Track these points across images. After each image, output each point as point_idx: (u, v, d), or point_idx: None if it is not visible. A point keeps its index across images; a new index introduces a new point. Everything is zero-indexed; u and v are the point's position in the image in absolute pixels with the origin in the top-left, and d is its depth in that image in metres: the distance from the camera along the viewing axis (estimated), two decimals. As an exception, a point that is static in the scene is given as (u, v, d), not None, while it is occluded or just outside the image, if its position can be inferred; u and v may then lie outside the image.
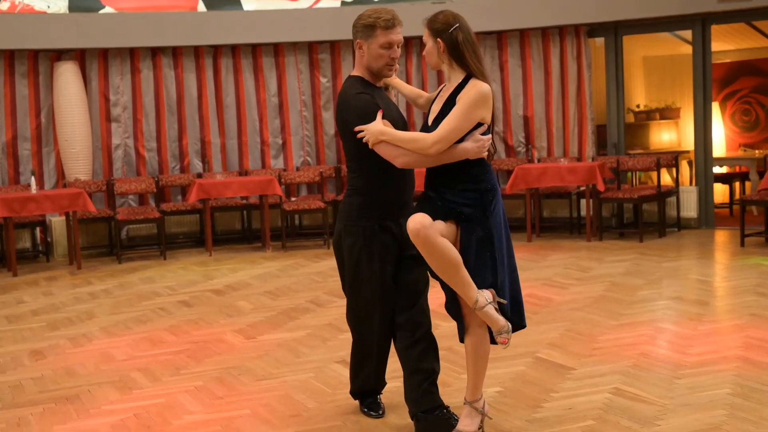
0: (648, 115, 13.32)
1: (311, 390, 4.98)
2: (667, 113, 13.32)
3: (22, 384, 5.40)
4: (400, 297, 4.17)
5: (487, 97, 3.86)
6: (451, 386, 4.80)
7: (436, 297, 4.35)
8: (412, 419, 4.20)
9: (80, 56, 10.92)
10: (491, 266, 3.88)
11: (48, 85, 10.83)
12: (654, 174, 10.78)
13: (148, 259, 10.28)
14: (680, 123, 13.36)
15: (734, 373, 4.87)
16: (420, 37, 4.06)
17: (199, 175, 11.12)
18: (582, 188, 10.49)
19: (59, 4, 10.75)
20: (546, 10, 10.93)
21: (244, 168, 11.50)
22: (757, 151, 12.25)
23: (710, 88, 10.72)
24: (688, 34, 11.05)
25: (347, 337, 4.93)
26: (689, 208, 10.70)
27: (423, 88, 11.41)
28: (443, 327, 5.71)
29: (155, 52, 11.16)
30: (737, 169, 12.22)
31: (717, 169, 11.71)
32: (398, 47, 4.13)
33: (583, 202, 10.70)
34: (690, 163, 12.28)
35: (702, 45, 10.62)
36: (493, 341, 4.01)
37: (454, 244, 3.87)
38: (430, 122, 4.01)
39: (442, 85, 4.10)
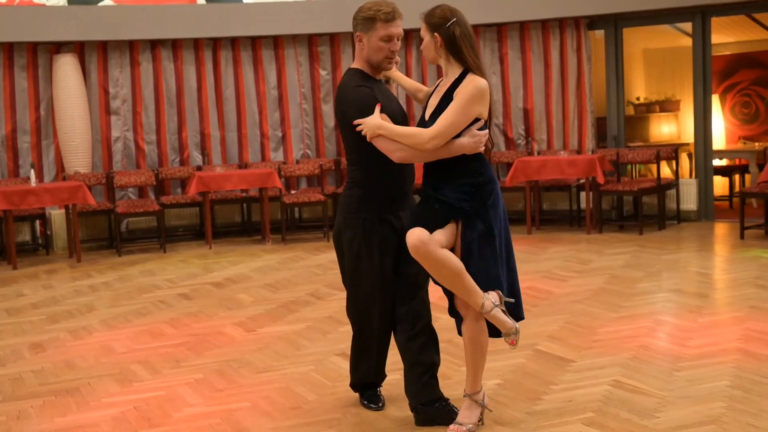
0: (648, 108, 13.31)
1: (311, 382, 4.99)
2: (667, 106, 13.31)
3: (23, 377, 5.41)
4: (401, 289, 4.18)
5: (485, 92, 3.87)
6: (451, 378, 4.80)
7: (436, 289, 4.35)
8: (412, 411, 4.21)
9: (79, 49, 10.90)
10: (493, 259, 3.89)
11: (47, 78, 10.82)
12: (654, 166, 10.79)
13: (148, 252, 10.29)
14: (680, 115, 13.35)
15: (733, 366, 4.87)
16: (420, 30, 4.06)
17: (199, 168, 11.11)
18: (582, 181, 10.49)
19: (58, -4, 10.76)
20: (546, 3, 10.91)
21: (243, 161, 11.50)
22: (756, 144, 12.25)
23: (710, 81, 10.71)
24: (688, 26, 11.03)
25: (347, 329, 4.93)
26: (689, 201, 10.70)
27: (423, 81, 11.40)
28: (443, 319, 5.70)
29: (155, 45, 11.14)
30: (737, 161, 12.22)
31: (717, 162, 11.70)
32: (398, 40, 4.12)
33: (582, 194, 10.70)
34: (690, 156, 12.28)
35: (702, 37, 10.60)
36: (491, 335, 4.02)
37: (455, 244, 3.88)
38: (427, 117, 4.01)
39: (439, 80, 4.10)
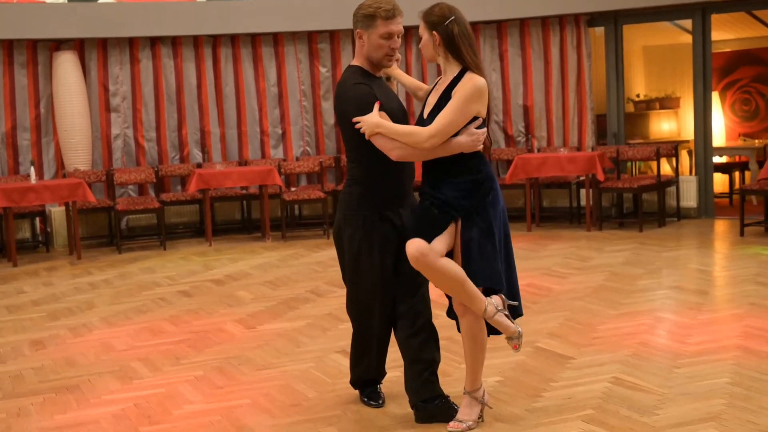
0: (648, 105, 13.30)
1: (311, 380, 4.99)
2: (667, 103, 13.31)
3: (23, 374, 5.41)
4: (401, 287, 4.18)
5: (483, 91, 3.87)
6: (451, 376, 4.81)
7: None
8: (413, 408, 4.21)
9: (79, 46, 10.90)
10: (492, 256, 3.89)
11: (47, 75, 10.81)
12: (654, 164, 10.77)
13: (148, 250, 10.29)
14: (680, 112, 13.35)
15: (733, 363, 4.87)
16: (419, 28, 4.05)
17: (199, 165, 11.11)
18: (582, 178, 10.49)
19: (58, -7, 10.75)
20: (546, 0, 10.91)
21: (243, 158, 11.50)
22: (756, 141, 12.24)
23: (710, 78, 10.71)
24: (688, 23, 11.02)
25: (347, 326, 4.94)
26: (689, 198, 10.70)
27: (423, 78, 11.40)
28: (443, 317, 5.70)
29: (154, 42, 11.14)
30: (737, 158, 12.21)
31: (717, 159, 11.70)
32: (398, 37, 4.12)
33: (582, 191, 10.70)
34: (690, 153, 12.28)
35: (702, 34, 10.60)
36: (490, 332, 4.03)
37: (455, 245, 3.89)
38: (425, 115, 4.01)
39: (438, 78, 4.10)
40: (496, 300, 3.90)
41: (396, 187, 4.18)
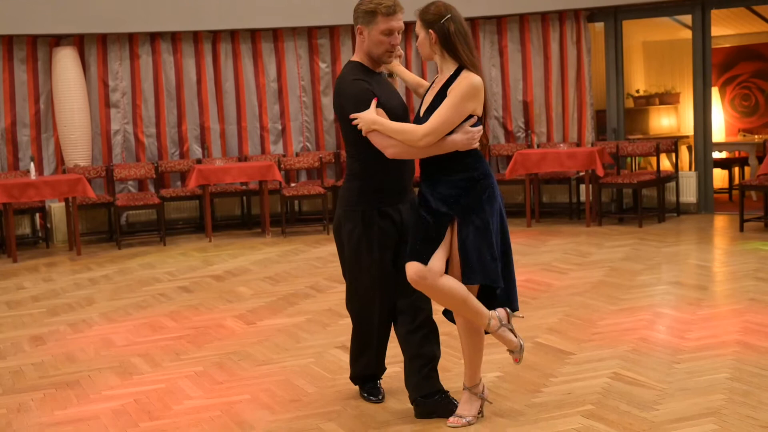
0: (647, 101, 13.30)
1: (311, 375, 5.00)
2: (667, 98, 13.31)
3: (23, 369, 5.42)
4: (401, 282, 4.18)
5: (479, 89, 3.86)
6: (451, 371, 4.81)
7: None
8: (412, 404, 4.22)
9: (79, 42, 10.89)
10: (489, 254, 3.89)
11: (47, 71, 10.81)
12: (653, 159, 10.79)
13: (148, 245, 10.29)
14: (680, 108, 13.35)
15: (733, 358, 4.88)
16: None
17: (199, 161, 11.11)
18: (581, 173, 10.49)
19: (57, -11, 10.74)
20: (546, -5, 10.92)
21: (243, 154, 11.50)
22: (756, 136, 12.24)
23: (710, 73, 10.71)
24: (687, 18, 11.02)
25: (347, 322, 4.94)
26: (688, 194, 10.70)
27: (422, 74, 11.39)
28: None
29: (154, 38, 11.13)
30: (736, 154, 12.21)
31: (716, 155, 11.70)
32: (399, 34, 4.12)
33: (582, 187, 10.70)
34: (689, 148, 12.28)
35: (702, 30, 10.59)
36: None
37: (452, 244, 3.89)
38: (422, 113, 4.01)
39: (435, 76, 4.09)
40: (500, 313, 3.92)
41: (395, 183, 4.18)
